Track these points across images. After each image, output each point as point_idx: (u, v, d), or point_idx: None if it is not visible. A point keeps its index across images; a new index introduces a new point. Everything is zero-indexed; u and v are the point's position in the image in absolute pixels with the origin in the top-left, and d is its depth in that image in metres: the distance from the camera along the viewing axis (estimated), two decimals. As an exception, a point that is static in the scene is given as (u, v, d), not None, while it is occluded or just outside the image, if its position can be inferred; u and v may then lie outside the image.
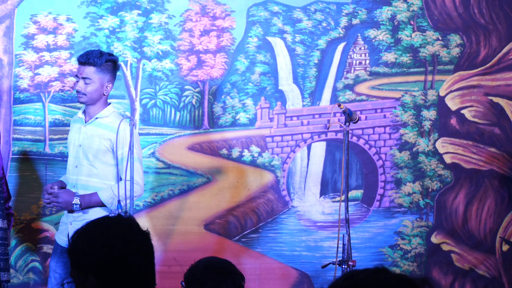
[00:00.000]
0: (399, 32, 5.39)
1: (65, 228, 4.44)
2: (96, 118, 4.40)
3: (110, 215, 4.03)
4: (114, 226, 2.28)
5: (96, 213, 4.36)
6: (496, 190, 5.42)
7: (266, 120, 5.35)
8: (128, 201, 4.22)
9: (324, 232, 5.33)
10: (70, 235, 4.36)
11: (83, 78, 4.33)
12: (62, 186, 4.49)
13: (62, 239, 4.45)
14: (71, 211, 4.37)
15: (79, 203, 4.29)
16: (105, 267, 2.19)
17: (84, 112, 4.45)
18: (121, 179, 4.28)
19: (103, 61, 4.34)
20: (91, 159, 4.38)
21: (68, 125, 4.70)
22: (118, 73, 5.26)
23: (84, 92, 4.34)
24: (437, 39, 5.41)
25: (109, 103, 4.49)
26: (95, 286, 2.19)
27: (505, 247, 5.39)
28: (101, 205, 4.34)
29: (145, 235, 2.28)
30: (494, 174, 5.42)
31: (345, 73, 5.38)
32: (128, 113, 5.14)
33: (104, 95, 4.40)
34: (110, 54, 4.44)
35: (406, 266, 5.38)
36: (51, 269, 4.48)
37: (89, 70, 4.33)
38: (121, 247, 2.21)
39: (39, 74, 5.17)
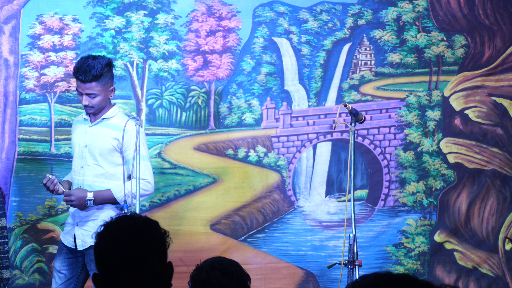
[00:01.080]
0: (404, 33, 5.41)
1: (70, 229, 4.45)
2: (103, 118, 4.41)
3: (121, 214, 4.04)
4: (137, 225, 2.30)
5: (104, 214, 4.37)
6: (498, 189, 5.47)
7: (272, 121, 5.36)
8: (135, 200, 4.24)
9: (330, 231, 5.35)
10: (77, 236, 4.38)
11: (87, 94, 4.32)
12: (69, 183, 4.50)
13: (68, 240, 4.45)
14: (82, 209, 4.37)
15: (93, 198, 4.29)
16: (130, 265, 2.22)
17: (88, 113, 4.46)
18: (130, 177, 4.29)
19: (102, 72, 4.31)
20: (98, 159, 4.39)
21: (74, 126, 4.70)
22: (124, 73, 5.25)
23: (92, 105, 4.35)
24: (442, 40, 5.43)
25: (114, 104, 4.50)
26: (119, 284, 2.22)
27: (508, 246, 5.44)
28: (114, 201, 4.34)
29: (165, 234, 2.32)
30: (496, 174, 5.46)
31: (350, 73, 5.40)
32: (134, 113, 5.14)
33: (109, 99, 4.42)
34: (103, 58, 4.39)
35: (409, 265, 5.42)
36: (55, 269, 4.47)
37: (91, 86, 4.31)
38: (145, 245, 2.25)
39: (45, 74, 5.16)
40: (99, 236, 2.31)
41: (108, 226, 2.32)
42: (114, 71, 5.32)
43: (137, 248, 2.23)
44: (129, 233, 2.27)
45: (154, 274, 2.25)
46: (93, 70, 4.27)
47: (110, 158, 4.39)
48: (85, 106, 4.36)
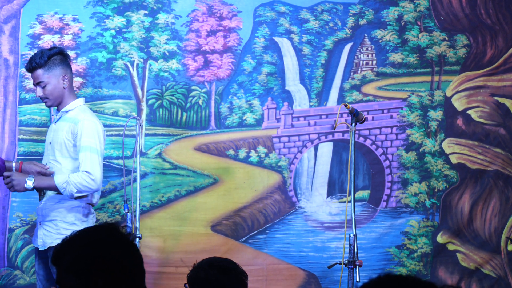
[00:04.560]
0: (406, 33, 5.40)
1: (36, 228, 4.37)
2: (62, 112, 4.34)
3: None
4: (105, 232, 2.26)
5: (64, 216, 4.27)
6: (500, 190, 5.44)
7: (273, 121, 5.34)
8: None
9: (331, 232, 5.32)
10: (39, 235, 4.23)
11: (37, 84, 4.30)
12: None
13: (35, 240, 4.36)
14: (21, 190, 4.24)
15: (32, 179, 4.15)
16: (109, 270, 2.18)
17: (47, 106, 4.43)
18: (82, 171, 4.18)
19: (45, 59, 4.28)
20: (56, 155, 4.30)
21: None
22: (124, 73, 5.24)
23: (45, 95, 4.31)
24: (444, 40, 5.41)
25: (79, 97, 4.43)
26: None
27: (510, 247, 5.41)
28: (55, 188, 4.18)
29: (131, 238, 2.28)
30: (499, 175, 5.43)
31: (352, 73, 5.38)
32: (134, 114, 5.13)
33: (64, 88, 4.32)
34: (51, 49, 4.37)
35: (412, 266, 5.39)
36: (36, 272, 4.42)
37: (38, 74, 4.29)
38: (117, 249, 2.20)
39: (45, 74, 5.14)
40: (63, 247, 2.26)
41: (70, 239, 2.27)
42: (114, 71, 5.31)
43: (108, 254, 2.18)
44: (93, 238, 2.23)
45: (128, 277, 2.19)
46: (36, 58, 4.27)
47: (66, 153, 4.28)
48: (41, 98, 4.33)
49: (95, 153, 4.19)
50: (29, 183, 4.15)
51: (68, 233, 4.14)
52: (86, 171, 4.13)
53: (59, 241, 4.13)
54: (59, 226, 4.26)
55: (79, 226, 4.23)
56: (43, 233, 4.28)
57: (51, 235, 4.25)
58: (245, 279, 3.36)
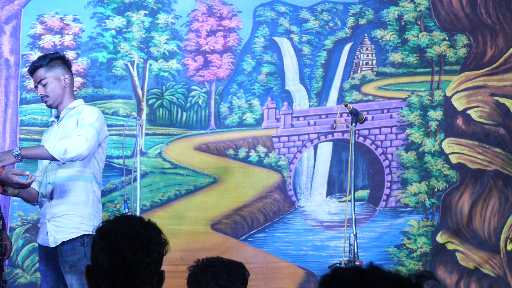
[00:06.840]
0: (406, 32, 5.39)
1: (44, 227, 4.32)
2: (67, 109, 4.35)
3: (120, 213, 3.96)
4: (138, 226, 2.29)
5: (78, 211, 4.26)
6: (500, 190, 5.44)
7: (272, 121, 5.35)
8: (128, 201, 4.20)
9: (331, 232, 5.34)
10: (49, 232, 4.21)
11: (39, 82, 4.32)
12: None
13: (43, 239, 4.31)
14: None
15: (18, 148, 4.10)
16: (122, 265, 2.22)
17: (56, 116, 4.41)
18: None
19: (48, 60, 4.32)
20: None
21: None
22: (124, 73, 5.25)
23: (47, 93, 4.32)
24: (444, 39, 5.41)
25: (78, 99, 4.44)
26: (109, 283, 2.21)
27: (509, 246, 5.41)
28: (44, 150, 4.12)
29: (165, 242, 2.36)
30: (499, 174, 5.43)
31: (351, 73, 5.39)
32: (134, 113, 5.15)
33: (65, 87, 4.34)
34: (53, 53, 4.42)
35: (411, 265, 5.40)
36: (42, 273, 4.37)
37: (40, 72, 4.31)
38: (142, 247, 2.26)
39: (46, 74, 5.16)
40: (99, 230, 2.29)
41: (111, 221, 2.30)
42: (115, 71, 5.33)
43: (132, 249, 2.23)
44: (129, 232, 2.25)
45: (145, 279, 2.23)
46: (39, 59, 4.33)
47: None
48: (42, 97, 4.34)
49: (92, 127, 4.19)
50: (16, 151, 4.06)
51: (81, 226, 4.21)
52: (78, 134, 4.15)
53: (72, 235, 4.18)
54: (72, 220, 4.23)
55: (93, 220, 4.24)
56: (53, 229, 4.25)
57: (63, 230, 4.23)
58: (240, 271, 3.30)
